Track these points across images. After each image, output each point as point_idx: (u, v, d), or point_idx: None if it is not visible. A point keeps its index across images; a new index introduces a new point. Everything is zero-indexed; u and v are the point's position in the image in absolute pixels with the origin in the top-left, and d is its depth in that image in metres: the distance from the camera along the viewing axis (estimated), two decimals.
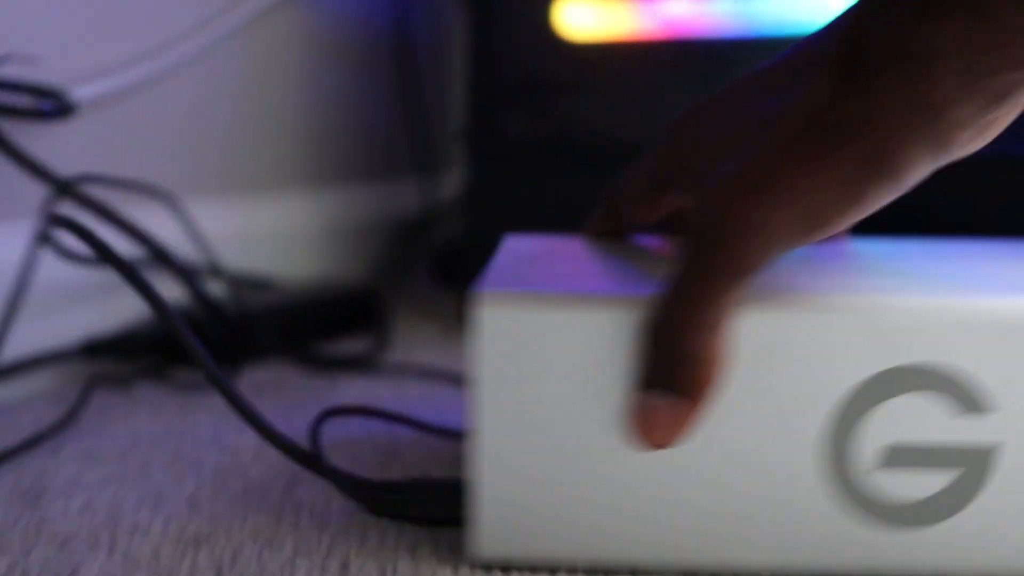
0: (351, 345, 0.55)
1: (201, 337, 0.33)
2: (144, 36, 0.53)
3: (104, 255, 0.32)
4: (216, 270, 0.52)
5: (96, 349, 0.46)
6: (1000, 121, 0.26)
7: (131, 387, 0.46)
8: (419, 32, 0.77)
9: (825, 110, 0.25)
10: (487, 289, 0.28)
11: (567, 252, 0.33)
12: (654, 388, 0.27)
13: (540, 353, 0.27)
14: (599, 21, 0.52)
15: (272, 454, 0.37)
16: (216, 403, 0.43)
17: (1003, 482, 0.27)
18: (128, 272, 0.32)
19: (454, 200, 0.74)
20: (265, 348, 0.49)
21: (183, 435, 0.40)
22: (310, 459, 0.31)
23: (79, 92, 0.47)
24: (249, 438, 0.39)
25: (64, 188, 0.44)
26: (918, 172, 0.25)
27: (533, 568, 0.28)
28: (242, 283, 0.56)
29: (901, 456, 0.28)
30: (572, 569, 0.28)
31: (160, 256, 0.45)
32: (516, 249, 0.34)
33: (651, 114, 0.51)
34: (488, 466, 0.28)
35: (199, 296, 0.46)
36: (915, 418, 0.27)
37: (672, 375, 0.26)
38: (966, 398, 0.27)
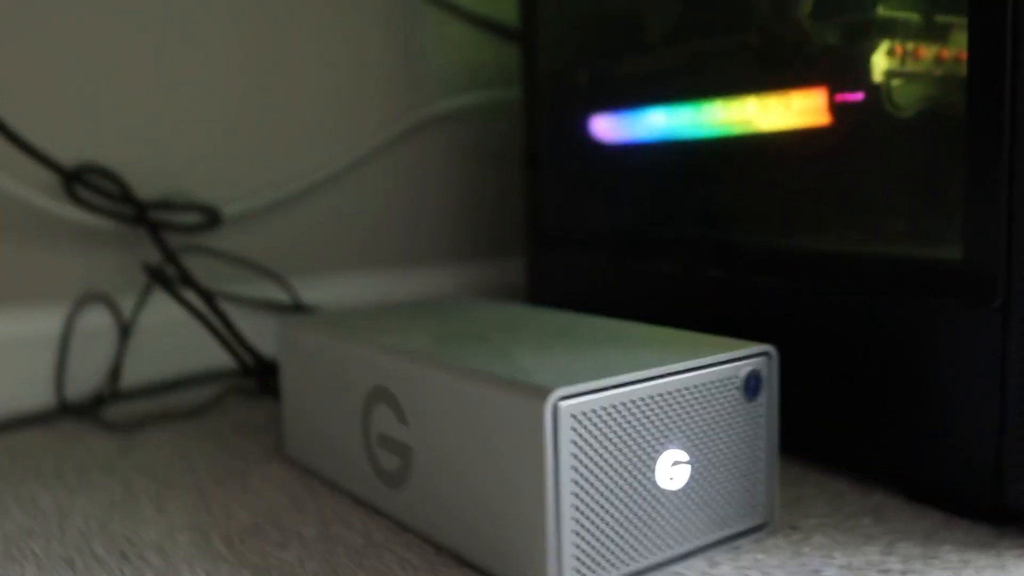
0: None
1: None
2: (293, 163, 0.73)
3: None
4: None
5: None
6: None
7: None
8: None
9: None
10: (289, 322, 0.51)
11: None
12: None
13: (304, 357, 0.49)
14: (621, 127, 0.58)
15: None
16: None
17: (420, 473, 0.40)
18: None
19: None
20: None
21: None
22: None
23: (231, 208, 0.71)
24: None
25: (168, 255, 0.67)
26: None
27: (308, 470, 0.51)
28: None
29: (382, 441, 0.43)
30: (324, 479, 0.49)
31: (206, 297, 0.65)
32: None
33: (663, 210, 0.56)
34: (288, 413, 0.51)
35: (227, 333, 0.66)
36: (384, 419, 0.42)
37: None
38: (398, 411, 0.41)
